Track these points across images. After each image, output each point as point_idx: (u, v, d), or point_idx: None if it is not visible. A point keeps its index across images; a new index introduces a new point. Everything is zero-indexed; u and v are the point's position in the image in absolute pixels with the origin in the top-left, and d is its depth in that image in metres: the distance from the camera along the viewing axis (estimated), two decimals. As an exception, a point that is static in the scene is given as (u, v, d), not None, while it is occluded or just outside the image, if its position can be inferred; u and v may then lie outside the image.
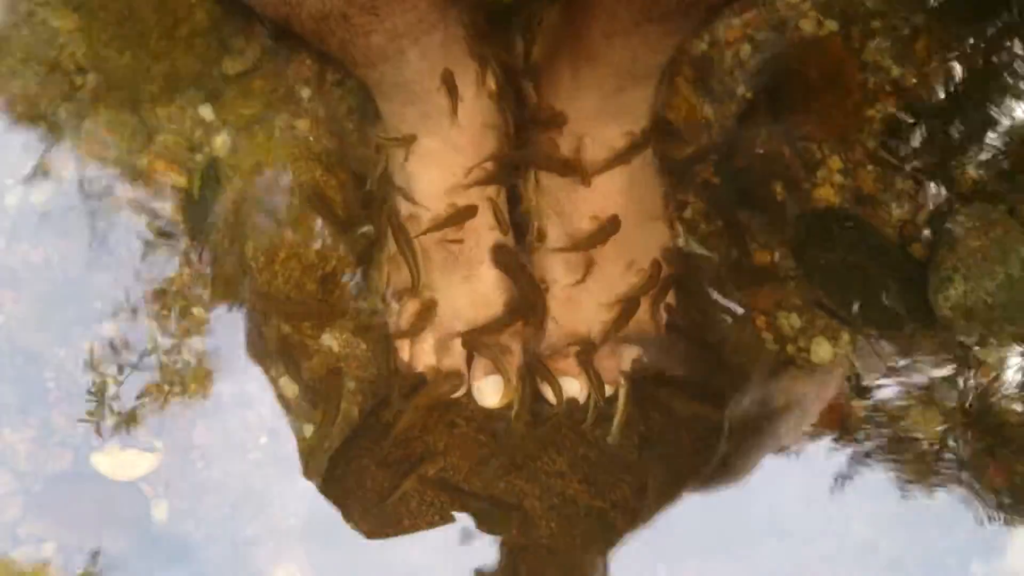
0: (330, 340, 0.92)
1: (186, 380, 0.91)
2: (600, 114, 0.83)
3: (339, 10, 0.70)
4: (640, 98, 0.84)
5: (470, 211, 0.86)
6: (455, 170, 0.86)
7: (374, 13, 0.70)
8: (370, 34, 0.73)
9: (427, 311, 0.88)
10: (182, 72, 0.93)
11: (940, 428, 0.91)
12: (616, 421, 0.89)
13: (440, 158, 0.85)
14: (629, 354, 0.90)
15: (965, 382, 0.90)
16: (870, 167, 0.92)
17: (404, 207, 0.88)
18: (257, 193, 0.93)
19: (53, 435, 0.90)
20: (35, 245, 0.92)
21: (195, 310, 0.92)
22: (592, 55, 0.78)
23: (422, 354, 0.90)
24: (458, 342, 0.89)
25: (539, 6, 0.86)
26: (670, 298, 0.92)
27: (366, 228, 0.92)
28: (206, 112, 0.94)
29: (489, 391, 0.89)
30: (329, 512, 0.89)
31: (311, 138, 0.94)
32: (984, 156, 0.90)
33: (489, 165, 0.86)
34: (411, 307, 0.89)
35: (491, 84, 0.85)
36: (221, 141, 0.94)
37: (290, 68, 0.95)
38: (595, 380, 0.87)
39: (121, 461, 0.90)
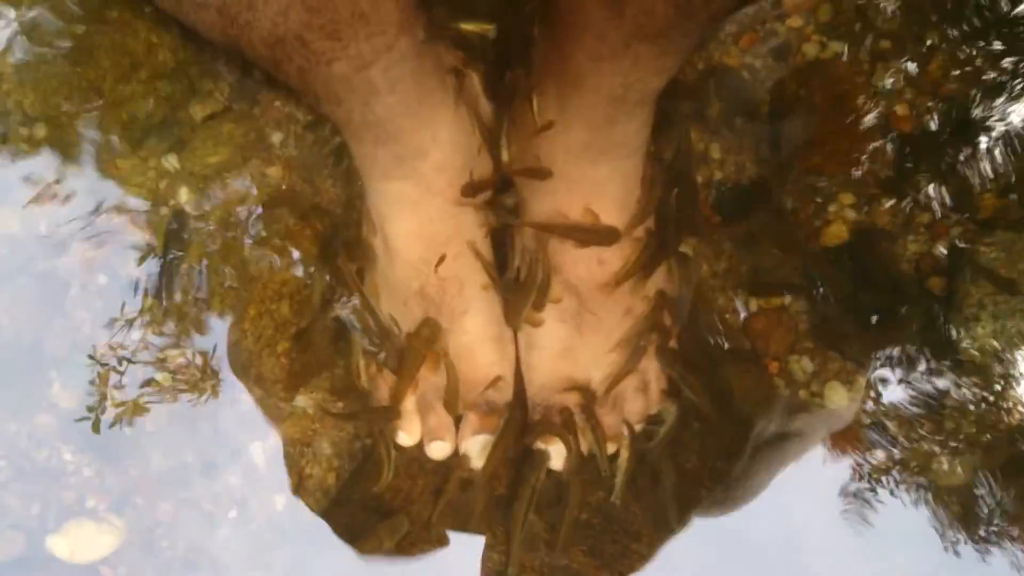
0: (305, 401, 0.79)
1: (146, 450, 0.77)
2: (588, 150, 0.71)
3: (294, 33, 0.57)
4: (632, 131, 0.71)
5: None
6: (432, 215, 0.73)
7: (335, 38, 0.58)
8: (332, 62, 0.60)
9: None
10: (143, 120, 0.80)
11: (966, 475, 0.77)
12: (618, 481, 0.75)
13: (415, 203, 0.72)
14: (631, 407, 0.77)
15: (995, 426, 0.76)
16: (884, 199, 0.79)
17: (380, 254, 0.75)
18: (226, 247, 0.80)
19: (5, 517, 0.77)
20: (-16, 309, 0.79)
21: (159, 376, 0.78)
22: (579, 82, 0.66)
23: (404, 413, 0.76)
24: (441, 399, 0.75)
25: (524, 34, 0.73)
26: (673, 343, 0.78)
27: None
28: (170, 162, 0.81)
29: (476, 451, 0.76)
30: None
31: (283, 186, 0.82)
32: (1006, 181, 0.77)
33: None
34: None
35: (471, 121, 0.72)
36: (187, 192, 0.81)
37: (259, 109, 0.82)
38: (600, 436, 0.73)
39: (80, 542, 0.76)
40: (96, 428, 0.77)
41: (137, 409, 0.78)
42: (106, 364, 0.78)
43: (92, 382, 0.78)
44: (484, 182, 0.73)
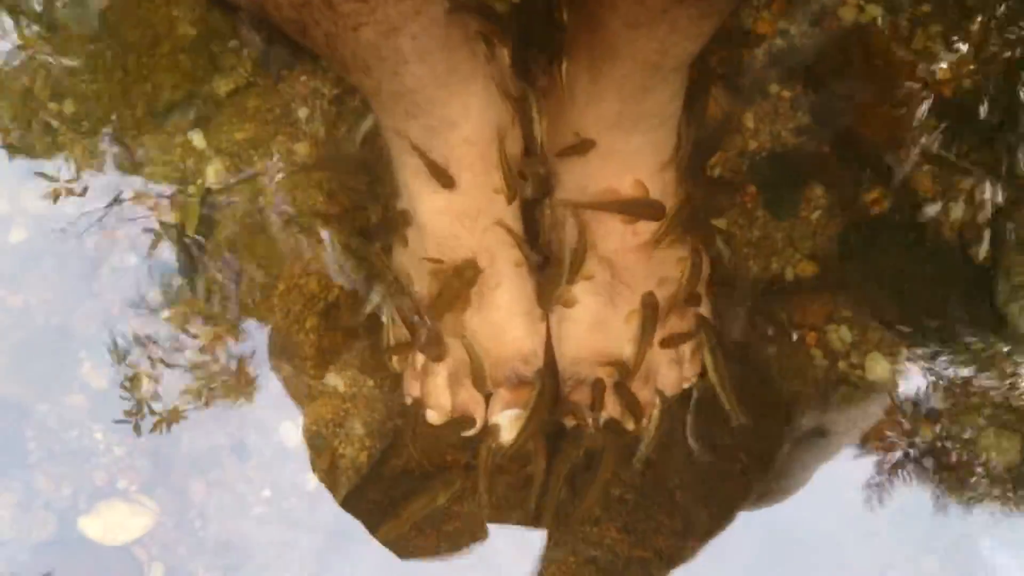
0: (335, 379, 0.77)
1: (177, 431, 0.76)
2: (621, 119, 0.68)
3: None
4: (665, 99, 0.69)
5: None
6: (464, 189, 0.70)
7: (362, 0, 0.56)
8: (359, 27, 0.58)
9: (437, 343, 0.73)
10: (167, 94, 0.78)
11: (1015, 451, 0.74)
12: (643, 446, 0.73)
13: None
14: (665, 379, 0.74)
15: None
16: (925, 166, 0.76)
17: (409, 230, 0.73)
18: (254, 224, 0.78)
19: (37, 498, 0.76)
20: (14, 290, 0.77)
21: (188, 353, 0.77)
22: (613, 50, 0.63)
23: (435, 389, 0.75)
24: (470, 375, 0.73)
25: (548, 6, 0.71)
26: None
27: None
28: (196, 138, 0.79)
29: (506, 425, 0.74)
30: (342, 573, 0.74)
31: (311, 163, 0.79)
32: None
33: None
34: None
35: (501, 94, 0.70)
36: (214, 170, 0.79)
37: (284, 84, 0.80)
38: (637, 413, 0.71)
39: (112, 523, 0.75)
40: (137, 431, 0.77)
41: (167, 383, 0.77)
42: (138, 348, 0.77)
43: (127, 377, 0.77)
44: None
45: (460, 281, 0.72)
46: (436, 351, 0.72)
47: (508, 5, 0.74)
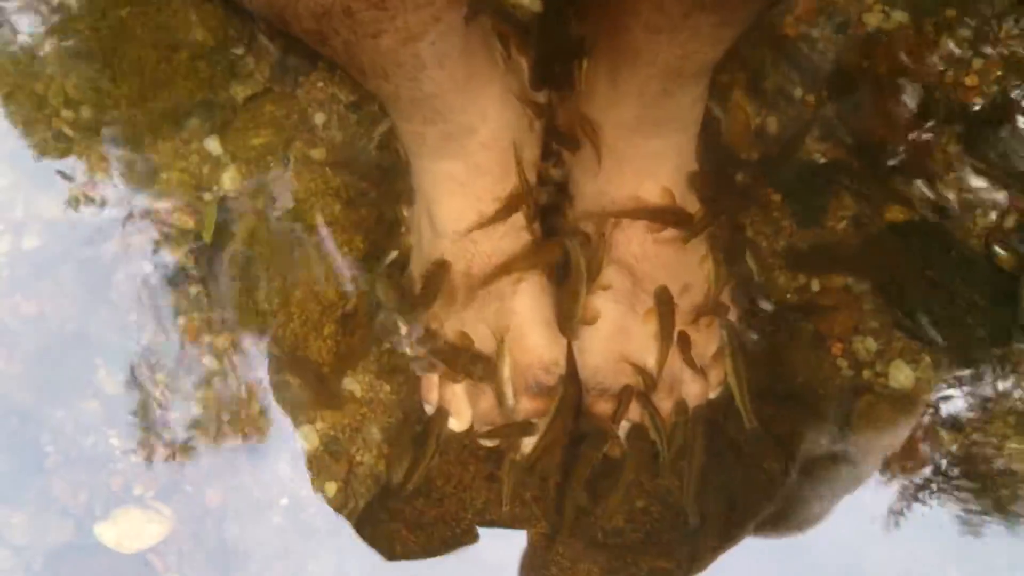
0: (352, 384, 0.77)
1: (194, 437, 0.76)
2: (641, 124, 0.68)
3: (341, 4, 0.55)
4: (687, 104, 0.68)
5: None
6: (480, 195, 0.70)
7: (382, 7, 0.55)
8: (379, 35, 0.57)
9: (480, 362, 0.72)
10: (184, 100, 0.78)
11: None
12: (665, 454, 0.72)
13: (463, 182, 0.70)
14: (689, 389, 0.74)
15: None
16: (951, 173, 0.75)
17: (426, 237, 0.73)
18: (271, 231, 0.78)
19: (53, 504, 0.75)
20: (28, 296, 0.77)
21: (205, 359, 0.77)
22: (635, 55, 0.63)
23: (454, 398, 0.74)
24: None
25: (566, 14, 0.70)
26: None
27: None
28: (213, 145, 0.78)
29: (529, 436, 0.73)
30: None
31: (328, 169, 0.79)
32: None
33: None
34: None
35: (519, 99, 0.69)
36: (230, 177, 0.78)
37: (301, 90, 0.79)
38: (659, 424, 0.71)
39: (127, 531, 0.75)
40: (153, 436, 0.76)
41: (181, 391, 0.77)
42: (153, 354, 0.77)
43: (134, 366, 0.76)
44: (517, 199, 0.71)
45: (538, 258, 0.72)
46: (480, 370, 0.72)
47: (531, 14, 0.73)
